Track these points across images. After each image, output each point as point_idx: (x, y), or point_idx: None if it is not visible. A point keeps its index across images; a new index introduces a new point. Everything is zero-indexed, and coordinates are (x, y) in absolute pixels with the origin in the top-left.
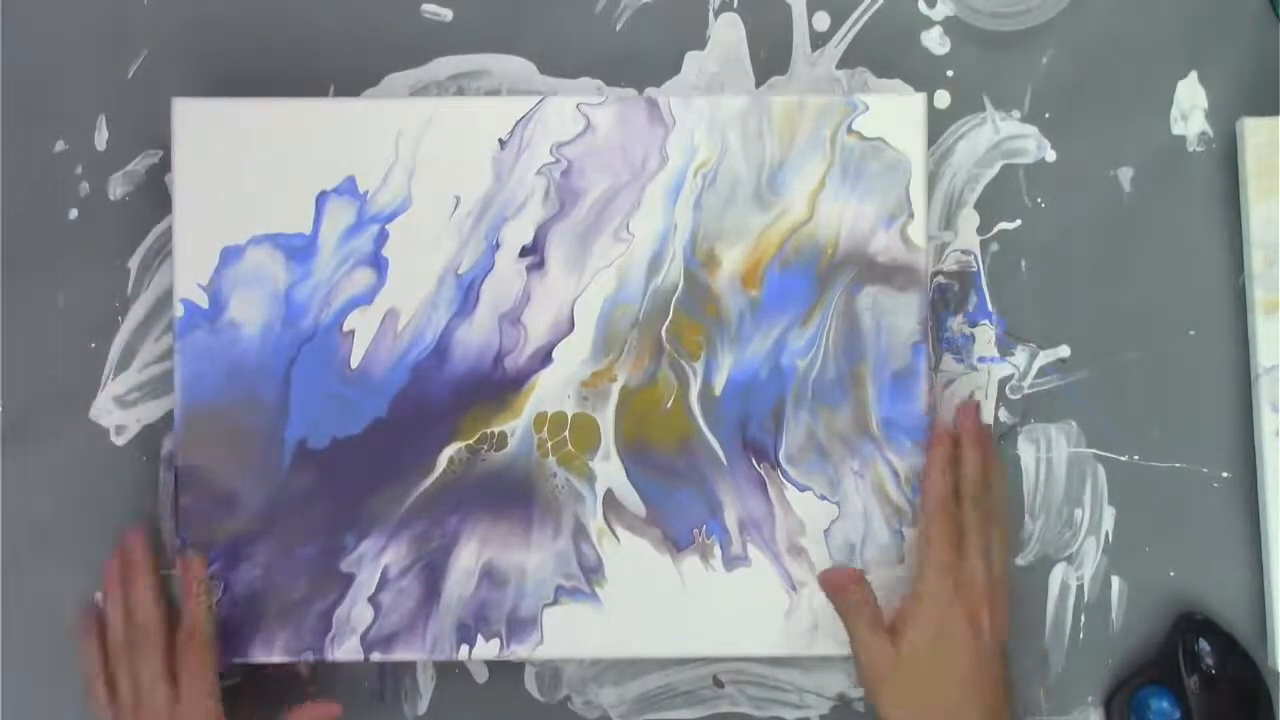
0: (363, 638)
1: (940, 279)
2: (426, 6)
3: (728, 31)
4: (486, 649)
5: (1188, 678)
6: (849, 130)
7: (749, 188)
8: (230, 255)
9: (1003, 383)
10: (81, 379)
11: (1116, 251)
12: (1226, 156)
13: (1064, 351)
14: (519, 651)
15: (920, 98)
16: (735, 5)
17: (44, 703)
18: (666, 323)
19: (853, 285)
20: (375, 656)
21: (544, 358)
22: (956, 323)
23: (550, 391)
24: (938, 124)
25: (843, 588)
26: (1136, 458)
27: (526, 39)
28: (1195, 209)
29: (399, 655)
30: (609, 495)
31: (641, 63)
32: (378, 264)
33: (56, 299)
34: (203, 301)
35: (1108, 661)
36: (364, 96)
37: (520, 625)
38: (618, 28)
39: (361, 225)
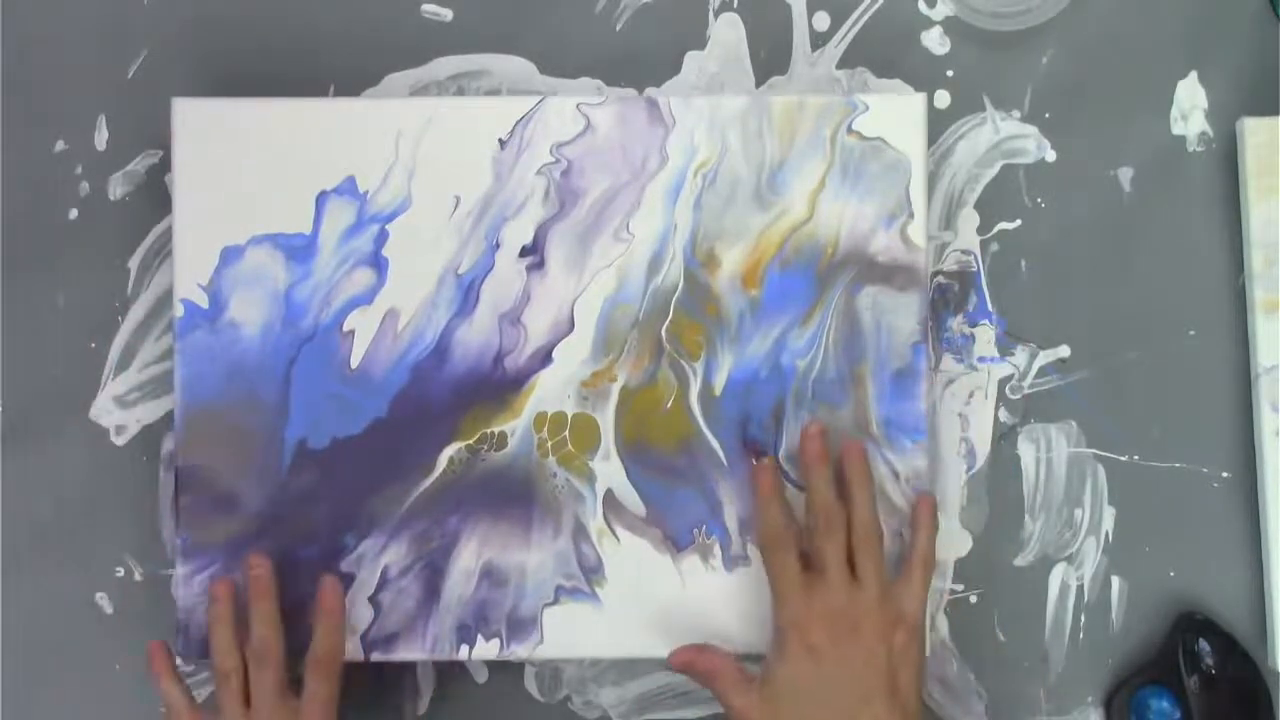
0: (363, 638)
1: (940, 279)
2: (426, 6)
3: (728, 31)
4: (486, 649)
5: (1188, 678)
6: (849, 130)
7: (749, 188)
8: (230, 255)
9: (1003, 383)
10: (81, 379)
11: (1116, 251)
12: (1226, 156)
13: (1064, 351)
14: (519, 651)
15: (920, 98)
16: (735, 5)
17: (44, 703)
18: (666, 323)
19: (853, 285)
20: (375, 656)
21: (544, 358)
22: (956, 323)
23: (550, 391)
24: (938, 124)
25: (691, 664)
26: (1136, 458)
27: (526, 39)
28: (1195, 209)
29: (399, 655)
30: (609, 495)
31: (641, 63)
32: (378, 264)
33: (56, 299)
34: (203, 301)
35: (1108, 661)
36: (364, 96)
37: (520, 625)
38: (618, 28)
39: (361, 225)
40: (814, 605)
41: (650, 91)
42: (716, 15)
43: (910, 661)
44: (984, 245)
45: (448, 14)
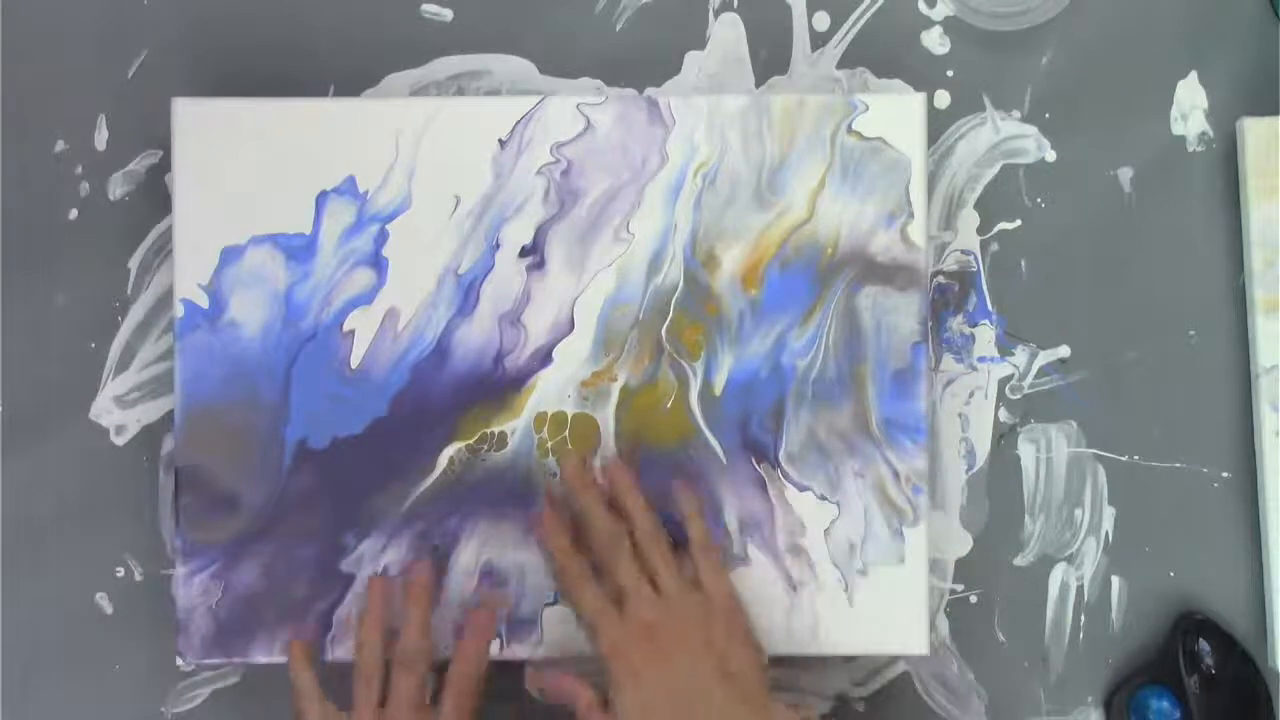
0: None
1: (940, 279)
2: (426, 6)
3: (728, 31)
4: None
5: (1188, 678)
6: (849, 130)
7: (749, 187)
8: (230, 255)
9: (1003, 383)
10: (81, 379)
11: (1116, 251)
12: (1226, 156)
13: (1064, 351)
14: (519, 651)
15: (920, 98)
16: (735, 5)
17: (44, 703)
18: (666, 323)
19: (853, 285)
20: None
21: (544, 358)
22: (956, 323)
23: (550, 391)
24: (938, 124)
25: (556, 692)
26: (1136, 458)
27: (526, 39)
28: (1195, 209)
29: None
30: None
31: (641, 63)
32: (378, 264)
33: (56, 299)
34: (203, 301)
35: (1108, 661)
36: (364, 96)
37: (520, 625)
38: (618, 28)
39: (361, 225)
40: (627, 628)
41: (650, 91)
42: (716, 15)
43: (738, 646)
44: (984, 245)
45: (448, 14)
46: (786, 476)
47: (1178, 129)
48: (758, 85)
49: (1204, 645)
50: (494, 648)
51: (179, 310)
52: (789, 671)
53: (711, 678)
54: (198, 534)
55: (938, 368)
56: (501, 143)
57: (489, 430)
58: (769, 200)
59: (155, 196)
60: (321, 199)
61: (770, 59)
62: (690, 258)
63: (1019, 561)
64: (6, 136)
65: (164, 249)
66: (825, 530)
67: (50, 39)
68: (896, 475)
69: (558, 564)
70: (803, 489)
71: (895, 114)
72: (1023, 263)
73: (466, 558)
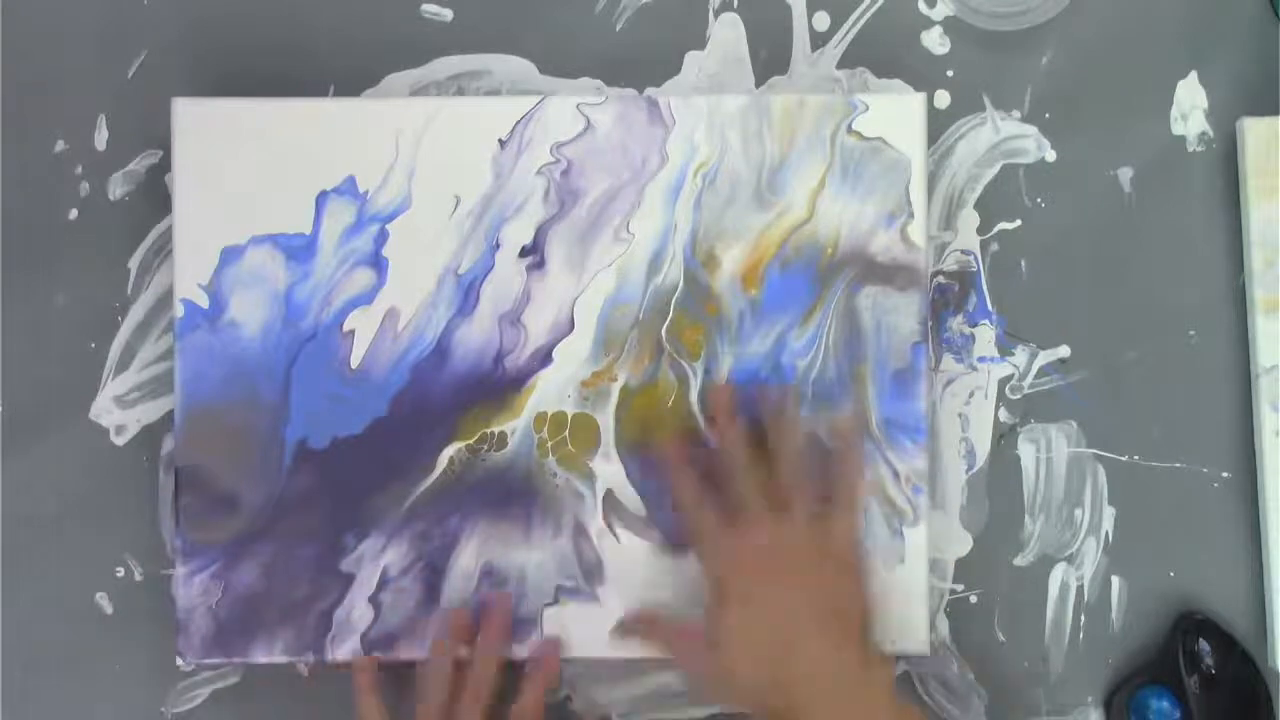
0: (363, 638)
1: (940, 279)
2: (426, 6)
3: (728, 31)
4: None
5: (1188, 678)
6: (849, 130)
7: (749, 187)
8: (230, 255)
9: (1003, 383)
10: (81, 379)
11: (1116, 251)
12: (1226, 156)
13: (1064, 351)
14: (519, 651)
15: (920, 98)
16: (735, 5)
17: (44, 703)
18: (666, 323)
19: (853, 285)
20: (375, 656)
21: (544, 358)
22: (956, 323)
23: (550, 391)
24: (938, 124)
25: (645, 630)
26: (1136, 458)
27: (526, 39)
28: (1195, 209)
29: (399, 655)
30: (609, 495)
31: (641, 63)
32: (378, 264)
33: (56, 299)
34: (203, 301)
35: (1108, 661)
36: (364, 96)
37: (520, 625)
38: (618, 28)
39: (361, 225)
40: (738, 548)
41: (650, 91)
42: (716, 15)
43: (849, 594)
44: (984, 245)
45: (448, 14)
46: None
47: (1178, 129)
48: (758, 85)
49: (1204, 645)
50: None
51: (179, 310)
52: None
53: (817, 615)
54: (198, 534)
55: (938, 368)
56: (501, 143)
57: (489, 430)
58: (769, 200)
59: (155, 196)
60: (321, 199)
61: (770, 59)
62: (690, 258)
63: (1019, 561)
64: (6, 136)
65: (164, 249)
66: None
67: (50, 39)
68: (896, 475)
69: (682, 482)
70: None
71: (895, 114)
72: (1023, 263)
73: (466, 558)
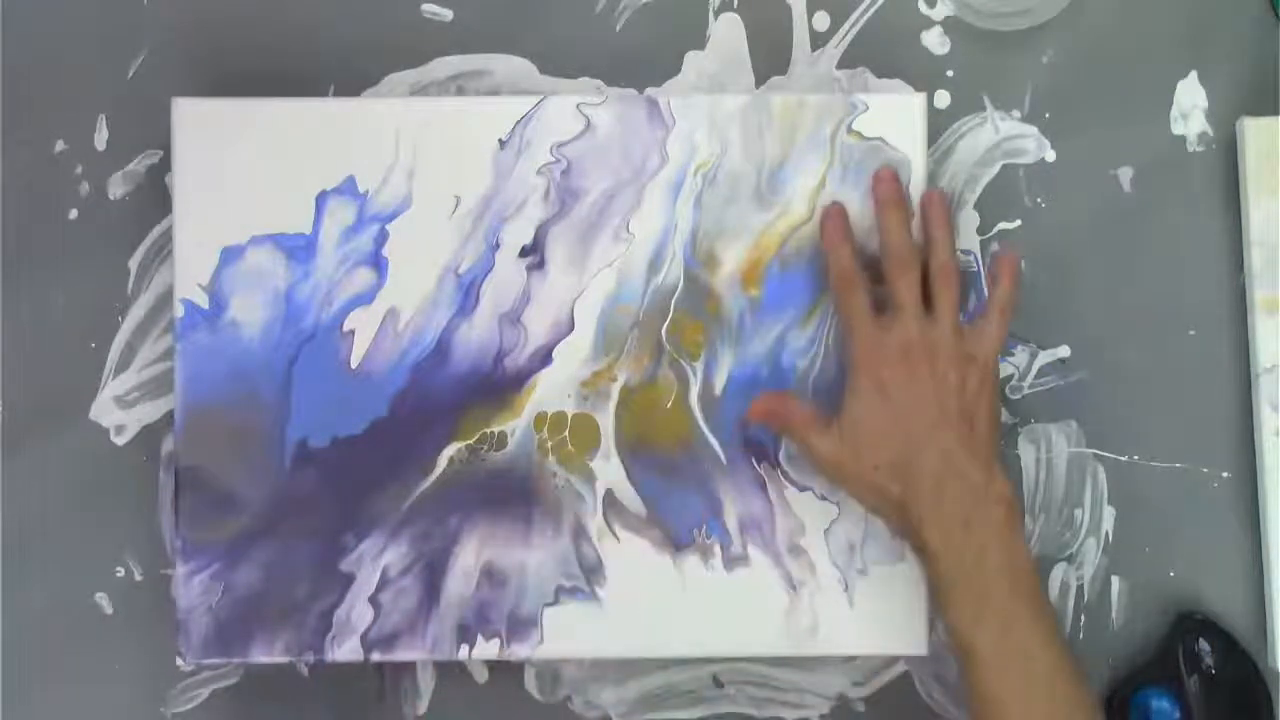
0: (363, 638)
1: None
2: (426, 6)
3: (728, 31)
4: (486, 649)
5: (1188, 678)
6: (849, 130)
7: (749, 187)
8: (230, 255)
9: (1003, 383)
10: (81, 379)
11: (1116, 251)
12: (1226, 156)
13: (1064, 351)
14: (519, 651)
15: (920, 98)
16: (735, 5)
17: (44, 703)
18: (666, 322)
19: None
20: (375, 656)
21: (544, 358)
22: None
23: (550, 391)
24: (938, 124)
25: (770, 414)
26: (1136, 458)
27: (526, 39)
28: (1195, 209)
29: (399, 655)
30: (609, 495)
31: (641, 63)
32: (378, 264)
33: (56, 299)
34: (203, 301)
35: (1108, 661)
36: (364, 96)
37: (520, 625)
38: (618, 28)
39: (361, 225)
40: (886, 340)
41: (650, 91)
42: (716, 15)
43: (984, 402)
44: (984, 245)
45: (448, 14)
46: (786, 477)
47: (1178, 129)
48: (758, 85)
49: (1204, 645)
50: (494, 648)
51: (179, 310)
52: (789, 671)
53: (949, 419)
54: (198, 534)
55: None
56: (501, 143)
57: (489, 430)
58: (769, 200)
59: (155, 196)
60: (321, 199)
61: (770, 59)
62: (690, 257)
63: None
64: (6, 136)
65: (164, 249)
66: (825, 530)
67: (50, 39)
68: None
69: (839, 261)
70: (803, 489)
71: (895, 114)
72: (1023, 263)
73: (466, 558)
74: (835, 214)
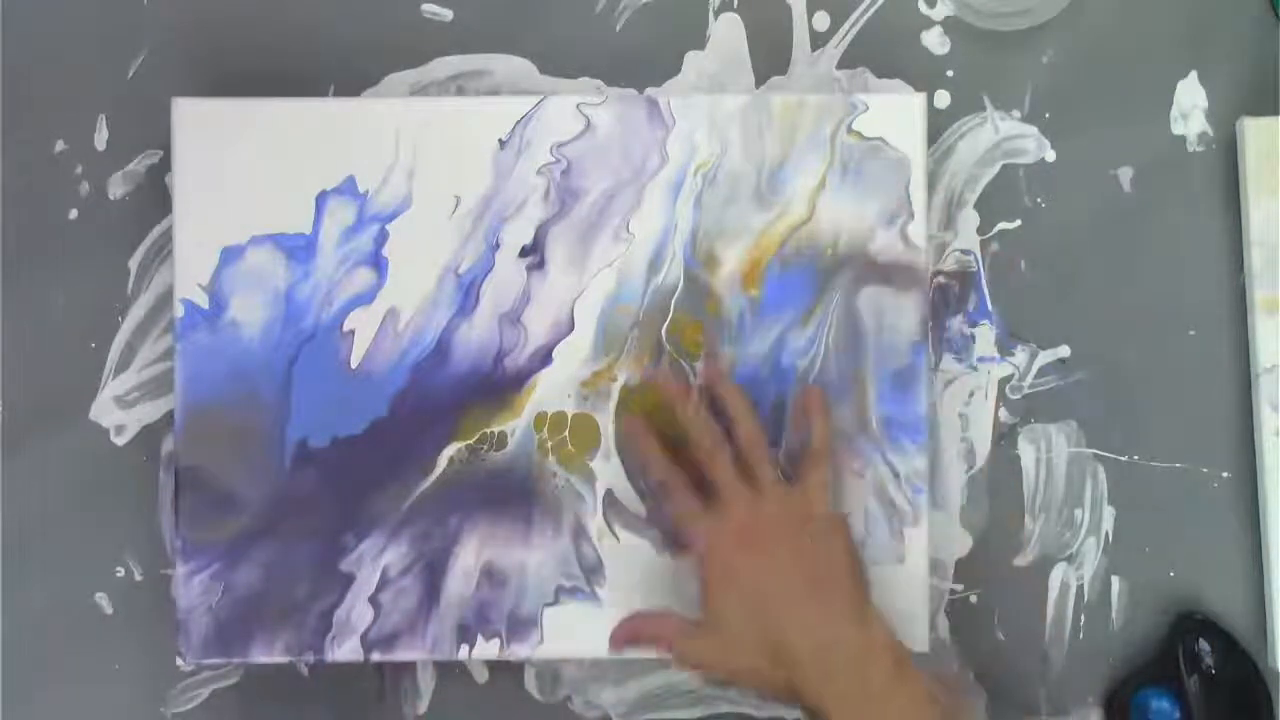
0: (363, 638)
1: (940, 279)
2: (426, 6)
3: (728, 31)
4: (486, 649)
5: (1188, 678)
6: (849, 130)
7: (749, 187)
8: (230, 255)
9: (1003, 383)
10: (81, 379)
11: (1116, 251)
12: (1226, 156)
13: (1064, 351)
14: (519, 651)
15: (920, 98)
16: (735, 5)
17: (44, 703)
18: (666, 322)
19: (853, 285)
20: (375, 656)
21: (544, 358)
22: (956, 323)
23: (550, 391)
24: (938, 124)
25: (635, 635)
26: (1136, 458)
27: (526, 39)
28: (1195, 209)
29: (399, 655)
30: (609, 495)
31: (641, 63)
32: (378, 264)
33: (56, 299)
34: (203, 301)
35: (1108, 661)
36: (364, 96)
37: (520, 625)
38: (618, 28)
39: (361, 225)
40: (719, 526)
41: (650, 91)
42: (716, 15)
43: (837, 550)
44: (984, 245)
45: (448, 14)
46: (787, 476)
47: (1178, 129)
48: (758, 85)
49: (1204, 645)
50: (494, 648)
51: (179, 310)
52: None
53: (804, 581)
54: (198, 534)
55: (938, 368)
56: (501, 143)
57: (489, 430)
58: (769, 200)
59: (155, 196)
60: (321, 199)
61: (770, 59)
62: (690, 257)
63: (1019, 561)
64: (6, 136)
65: (164, 249)
66: None
67: (50, 39)
68: (896, 475)
69: (654, 468)
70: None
71: (895, 114)
72: (1023, 263)
73: (466, 558)
74: (630, 422)
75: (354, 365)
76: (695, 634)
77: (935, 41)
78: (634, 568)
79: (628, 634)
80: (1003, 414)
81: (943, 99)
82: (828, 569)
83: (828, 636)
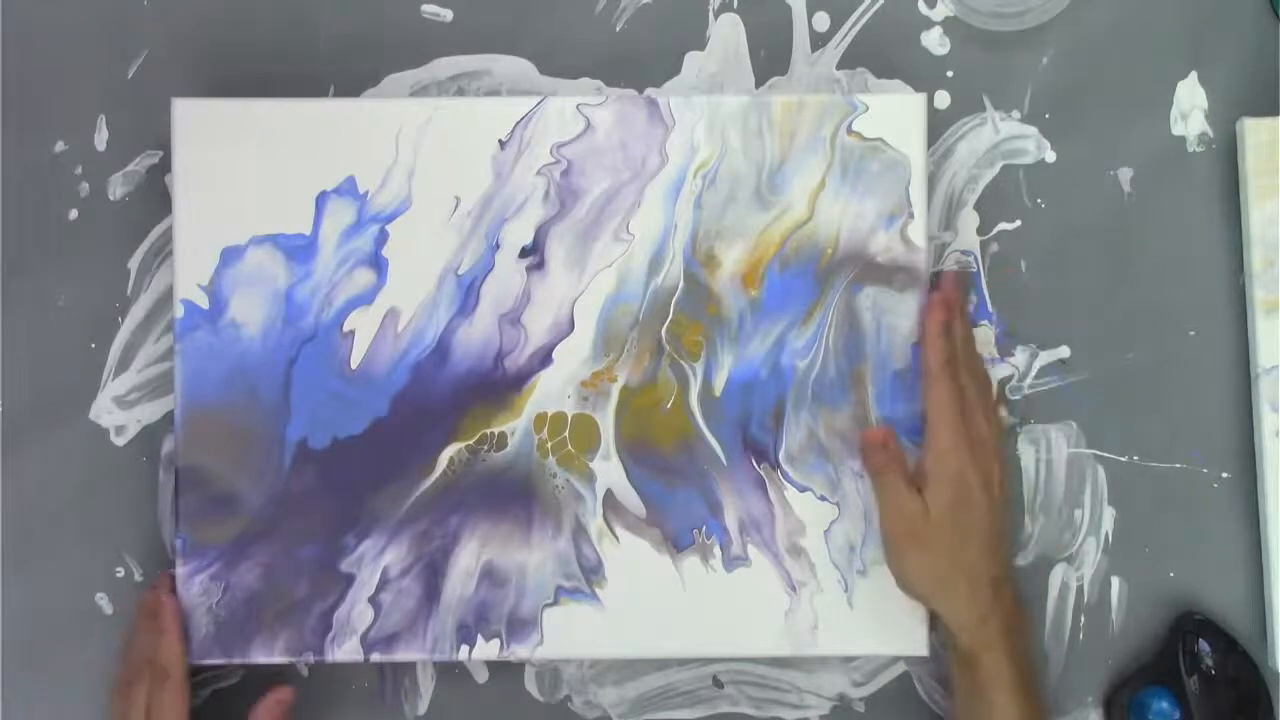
0: (363, 638)
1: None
2: (426, 6)
3: (728, 31)
4: (486, 649)
5: (1188, 678)
6: (849, 130)
7: (749, 187)
8: (230, 255)
9: (1003, 383)
10: (81, 379)
11: (1116, 251)
12: (1226, 156)
13: (1064, 352)
14: (519, 651)
15: (920, 98)
16: (735, 5)
17: (44, 702)
18: (666, 323)
19: (853, 285)
20: (375, 656)
21: (544, 358)
22: None
23: (550, 391)
24: (938, 124)
25: (880, 445)
26: (1136, 458)
27: (526, 39)
28: (1195, 209)
29: (399, 655)
30: (609, 495)
31: (641, 63)
32: (378, 264)
33: (56, 299)
34: (203, 302)
35: (1108, 661)
36: (364, 96)
37: (520, 625)
38: (618, 28)
39: (361, 225)
40: (970, 436)
41: (650, 91)
42: (716, 15)
43: (1002, 510)
44: (984, 245)
45: (448, 14)
46: (786, 477)
47: (1178, 129)
48: (758, 85)
49: (1204, 645)
50: (494, 648)
51: (179, 310)
52: (789, 672)
53: (1003, 525)
54: (198, 534)
55: None
56: (501, 143)
57: (489, 430)
58: (769, 200)
59: (155, 196)
60: (321, 199)
61: (770, 59)
62: (690, 258)
63: (1019, 561)
64: (6, 136)
65: (164, 249)
66: (825, 531)
67: (50, 39)
68: None
69: (939, 358)
70: (803, 489)
71: (895, 114)
72: (1023, 263)
73: (466, 558)
74: (941, 306)
75: (354, 365)
76: (911, 498)
77: (935, 42)
78: (634, 568)
79: (872, 441)
80: (1003, 414)
81: (943, 99)
82: (1007, 523)
83: (1001, 579)
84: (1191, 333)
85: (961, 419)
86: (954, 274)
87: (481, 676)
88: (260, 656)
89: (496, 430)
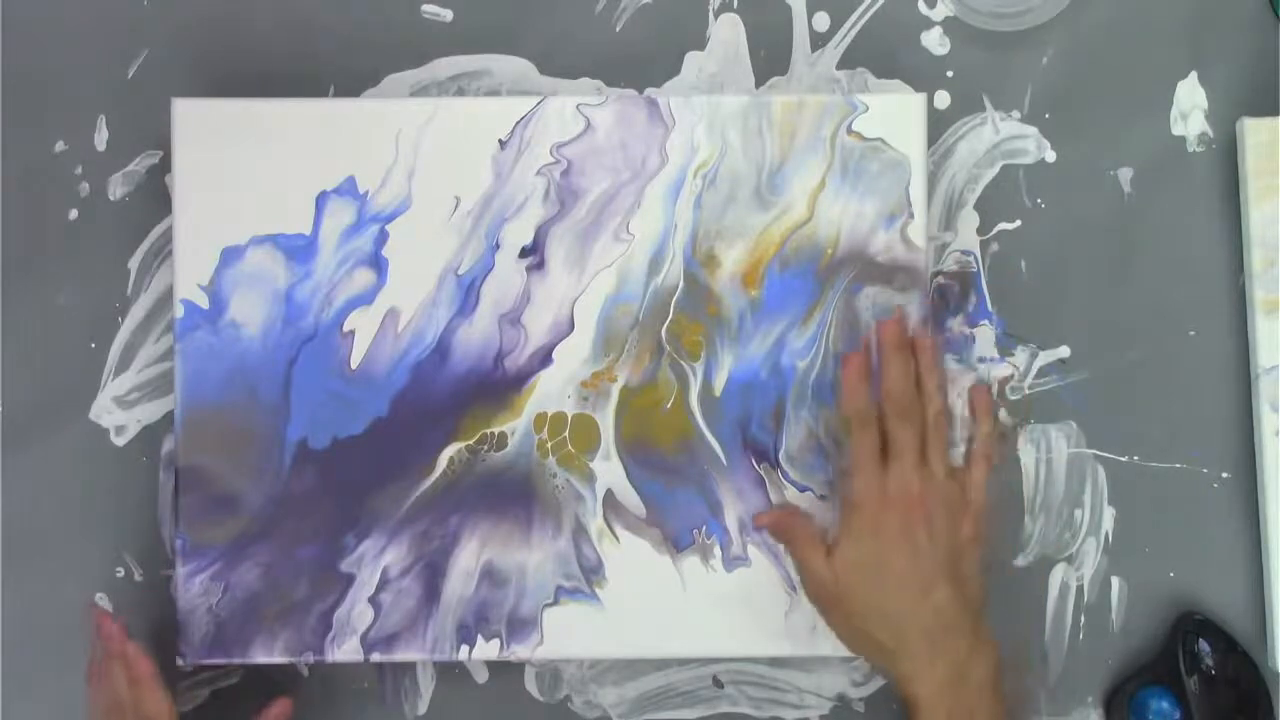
0: (363, 638)
1: (940, 279)
2: (426, 6)
3: (728, 31)
4: (486, 649)
5: (1188, 678)
6: (849, 130)
7: (749, 187)
8: (230, 255)
9: (1003, 383)
10: (81, 379)
11: (1116, 251)
12: (1226, 156)
13: (1064, 351)
14: (519, 651)
15: (920, 98)
16: (735, 5)
17: (44, 702)
18: (666, 323)
19: (853, 285)
20: (375, 656)
21: (544, 358)
22: (956, 323)
23: (550, 392)
24: (938, 124)
25: (775, 524)
26: (1136, 458)
27: (526, 39)
28: (1195, 209)
29: (399, 655)
30: (609, 495)
31: (641, 63)
32: (378, 264)
33: (56, 299)
34: (203, 302)
35: (1108, 661)
36: (364, 96)
37: (520, 625)
38: (618, 28)
39: (361, 225)
40: (887, 486)
41: (650, 91)
42: (716, 15)
43: (974, 550)
44: (984, 245)
45: (448, 14)
46: (786, 476)
47: (1178, 129)
48: (758, 85)
49: (1204, 645)
50: (494, 648)
51: (179, 310)
52: (789, 672)
53: (941, 571)
54: (198, 534)
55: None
56: (501, 143)
57: (489, 430)
58: (769, 200)
59: (155, 196)
60: (321, 199)
61: (770, 59)
62: (690, 258)
63: (1019, 561)
64: (6, 136)
65: (164, 249)
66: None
67: (50, 39)
68: None
69: (856, 398)
70: (803, 489)
71: (895, 114)
72: (1023, 263)
73: (466, 558)
74: (859, 355)
75: (354, 365)
76: (828, 560)
77: (935, 42)
78: (634, 568)
79: (770, 522)
80: (1003, 414)
81: (943, 99)
82: (966, 560)
83: (948, 625)
84: (1191, 333)
85: (878, 469)
86: (895, 318)
87: (481, 676)
88: (260, 656)
89: (496, 430)
